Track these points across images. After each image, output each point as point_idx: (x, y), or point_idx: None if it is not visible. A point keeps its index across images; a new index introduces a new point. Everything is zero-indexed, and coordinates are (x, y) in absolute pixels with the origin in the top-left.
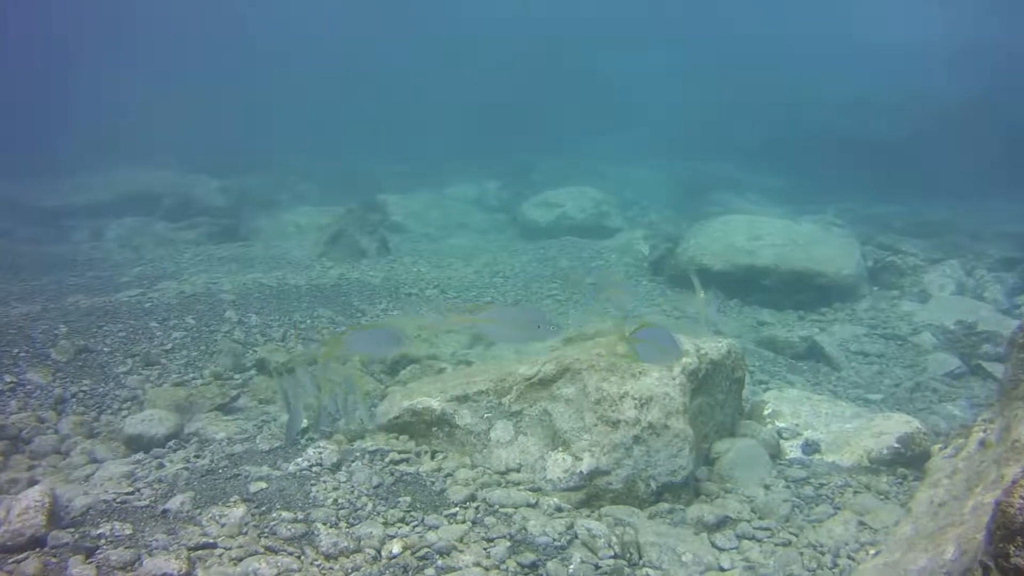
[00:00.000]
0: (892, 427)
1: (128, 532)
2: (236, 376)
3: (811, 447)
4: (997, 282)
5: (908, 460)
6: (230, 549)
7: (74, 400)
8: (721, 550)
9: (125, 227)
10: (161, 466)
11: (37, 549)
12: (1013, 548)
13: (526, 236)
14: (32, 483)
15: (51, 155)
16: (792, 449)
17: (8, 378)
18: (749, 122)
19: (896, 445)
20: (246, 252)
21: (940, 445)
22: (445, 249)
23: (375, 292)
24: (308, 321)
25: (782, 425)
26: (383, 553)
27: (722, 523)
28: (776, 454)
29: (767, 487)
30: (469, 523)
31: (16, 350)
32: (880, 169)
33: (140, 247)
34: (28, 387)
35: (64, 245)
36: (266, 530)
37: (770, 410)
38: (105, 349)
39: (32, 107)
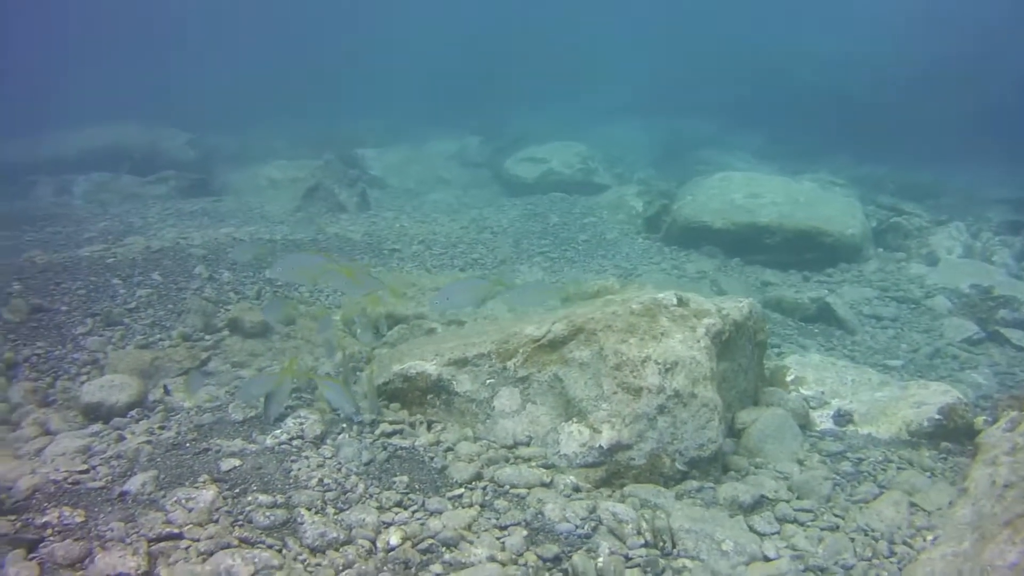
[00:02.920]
0: (931, 397)
1: (79, 520)
2: (207, 337)
3: (843, 417)
4: (1004, 246)
5: (949, 433)
6: (198, 541)
7: (27, 364)
8: (762, 535)
9: (92, 182)
10: (121, 439)
11: None
12: None
13: (511, 192)
14: None
15: (13, 112)
16: (822, 419)
17: None
18: (727, 81)
19: (937, 416)
20: (217, 207)
21: (985, 417)
22: (427, 204)
23: (356, 248)
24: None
25: (807, 393)
26: (379, 545)
27: (758, 504)
28: (806, 424)
29: (801, 462)
30: (477, 507)
31: None
32: (863, 130)
33: (106, 202)
34: None
35: (26, 201)
36: (240, 517)
37: (792, 376)
38: (63, 308)
39: None
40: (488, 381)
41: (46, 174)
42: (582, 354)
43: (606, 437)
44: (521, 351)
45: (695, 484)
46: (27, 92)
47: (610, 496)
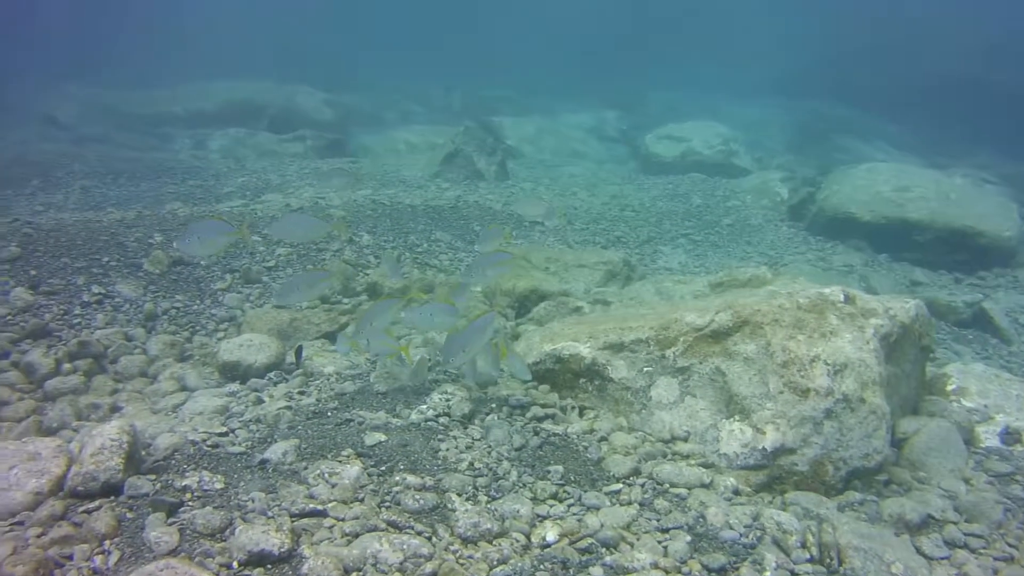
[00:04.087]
0: None
1: (219, 486)
2: (345, 300)
3: (1011, 436)
4: None
5: None
6: (343, 520)
7: (166, 317)
8: (931, 560)
9: (228, 137)
10: (259, 401)
11: (111, 498)
12: None
13: (648, 170)
14: (115, 410)
15: (153, 67)
16: (987, 436)
17: (96, 289)
18: (868, 64)
19: None
20: (355, 168)
21: None
22: (564, 177)
23: (496, 217)
24: (425, 244)
25: (969, 405)
26: (534, 539)
27: (925, 523)
28: (970, 440)
29: (967, 480)
30: (636, 505)
31: (106, 258)
32: (1017, 123)
33: (242, 158)
34: (117, 300)
35: (164, 153)
36: (387, 498)
37: (954, 386)
38: (202, 263)
39: (134, 20)
40: (645, 369)
41: (183, 127)
42: (747, 348)
43: (770, 439)
44: (682, 340)
45: (858, 496)
46: (163, 44)
47: (771, 503)
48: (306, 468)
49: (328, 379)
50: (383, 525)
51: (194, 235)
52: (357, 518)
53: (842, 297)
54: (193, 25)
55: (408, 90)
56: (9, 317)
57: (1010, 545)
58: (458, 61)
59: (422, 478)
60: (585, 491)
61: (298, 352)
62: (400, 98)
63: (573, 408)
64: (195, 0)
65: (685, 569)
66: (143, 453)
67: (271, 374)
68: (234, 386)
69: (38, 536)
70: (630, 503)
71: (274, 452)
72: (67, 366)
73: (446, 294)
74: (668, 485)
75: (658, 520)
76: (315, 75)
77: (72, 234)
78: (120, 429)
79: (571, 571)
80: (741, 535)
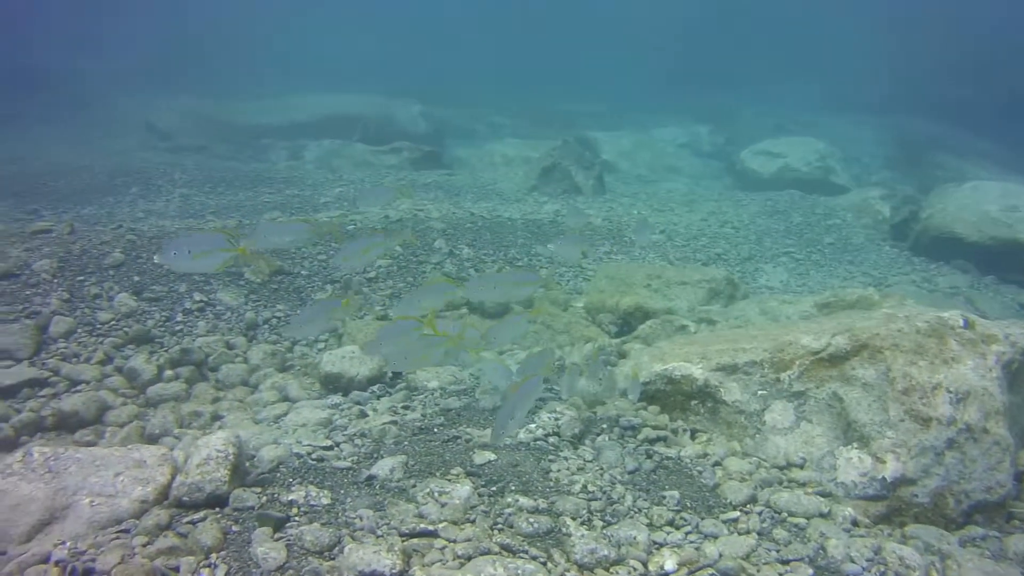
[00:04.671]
0: None
1: (325, 502)
2: (446, 313)
3: None
4: None
5: None
6: (455, 542)
7: (266, 326)
8: None
9: (323, 148)
10: (363, 415)
11: (216, 510)
12: None
13: (743, 185)
14: (216, 418)
15: (251, 79)
16: None
17: (197, 296)
18: (959, 79)
19: None
20: (451, 180)
21: None
22: (661, 193)
23: (597, 233)
24: (525, 259)
25: None
26: (651, 568)
27: None
28: None
29: None
30: (755, 535)
31: None
32: None
33: (337, 168)
34: (218, 308)
35: (261, 163)
36: (500, 520)
37: None
38: (303, 272)
39: (234, 35)
40: (759, 392)
41: (278, 138)
42: (866, 373)
43: (890, 468)
44: (798, 363)
45: (980, 531)
46: (260, 56)
47: (891, 535)
48: (414, 486)
49: (432, 394)
50: (496, 548)
51: (183, 248)
52: (469, 540)
53: (962, 322)
54: (284, 38)
55: (499, 104)
56: (113, 322)
57: None
58: (547, 76)
59: (535, 500)
60: (702, 518)
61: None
62: (491, 112)
63: (684, 431)
64: (288, 14)
65: None
66: (247, 465)
67: (374, 387)
68: (336, 398)
69: (144, 545)
70: (748, 532)
71: (381, 468)
72: (169, 373)
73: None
74: (786, 514)
75: (778, 551)
76: (410, 88)
77: None
78: (226, 440)
79: None
80: (863, 569)
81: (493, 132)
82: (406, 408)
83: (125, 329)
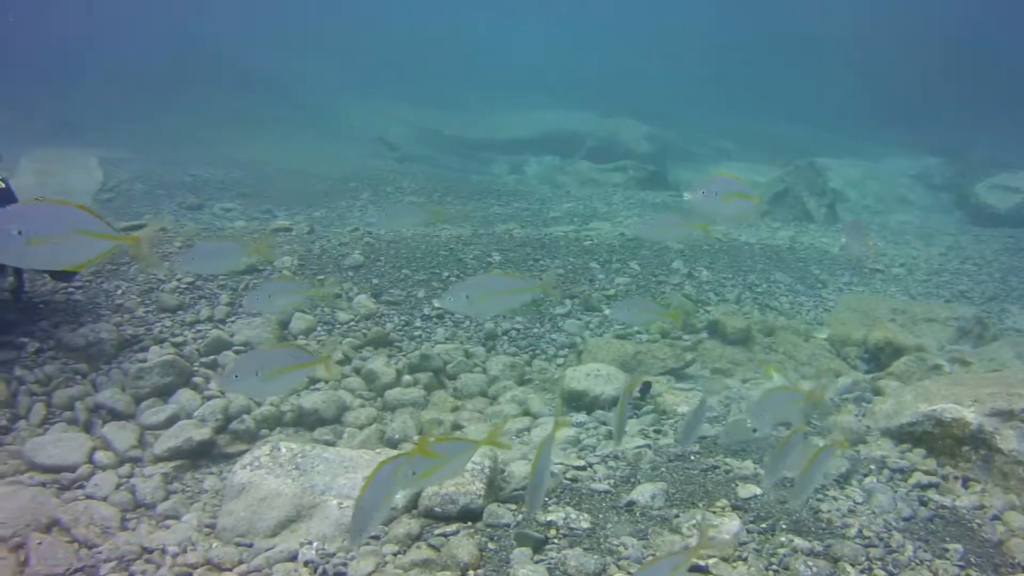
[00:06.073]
0: None
1: (586, 526)
2: (685, 337)
3: None
4: None
5: None
6: None
7: (506, 338)
8: None
9: (543, 164)
10: (611, 436)
11: (469, 524)
12: None
13: (976, 220)
14: (456, 428)
15: (461, 92)
16: None
17: (437, 303)
18: None
19: None
20: (679, 201)
21: None
22: (892, 224)
23: (835, 262)
24: (764, 285)
25: None
26: None
27: None
28: None
29: None
30: None
31: (446, 273)
32: None
33: (562, 184)
34: (458, 316)
35: (485, 176)
36: (775, 561)
37: None
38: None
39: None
40: None
41: (500, 152)
42: None
43: None
44: None
45: None
46: (472, 71)
47: None
48: (677, 516)
49: (683, 419)
50: None
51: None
52: None
53: None
54: (495, 53)
55: (719, 126)
56: (352, 323)
57: None
58: (767, 97)
59: (810, 542)
60: None
61: (645, 388)
62: (711, 135)
63: (956, 478)
64: (512, 34)
65: None
66: (500, 481)
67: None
68: (581, 416)
69: (395, 555)
70: None
71: (641, 494)
72: (407, 378)
73: (792, 339)
74: None
75: None
76: (626, 106)
77: (411, 247)
78: (482, 453)
79: None
80: None
81: (714, 154)
82: (657, 432)
83: (364, 331)
